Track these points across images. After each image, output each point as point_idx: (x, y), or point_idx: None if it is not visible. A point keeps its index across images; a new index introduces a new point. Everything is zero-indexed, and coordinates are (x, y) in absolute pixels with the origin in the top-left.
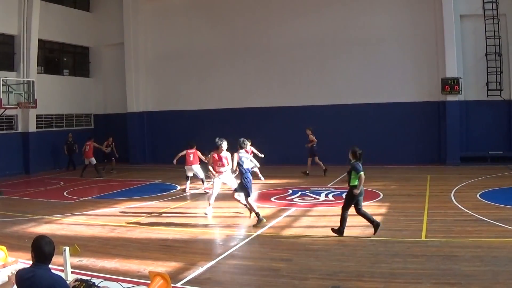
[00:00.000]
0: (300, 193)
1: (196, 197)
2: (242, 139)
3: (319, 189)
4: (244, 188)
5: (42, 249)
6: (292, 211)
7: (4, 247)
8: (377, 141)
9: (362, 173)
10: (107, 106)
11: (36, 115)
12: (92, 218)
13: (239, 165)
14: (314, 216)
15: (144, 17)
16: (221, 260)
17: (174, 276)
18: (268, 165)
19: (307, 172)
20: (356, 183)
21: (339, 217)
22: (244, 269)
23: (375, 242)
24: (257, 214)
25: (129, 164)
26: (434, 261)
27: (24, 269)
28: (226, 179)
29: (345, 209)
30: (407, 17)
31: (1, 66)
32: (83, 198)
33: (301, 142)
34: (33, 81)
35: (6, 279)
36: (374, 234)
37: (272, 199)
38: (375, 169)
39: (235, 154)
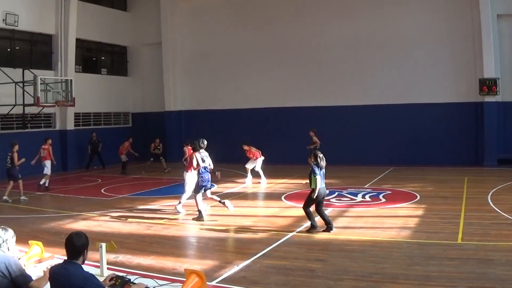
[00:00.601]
0: (337, 193)
1: (233, 196)
2: (201, 139)
3: (356, 189)
4: (196, 185)
5: (73, 244)
6: (328, 211)
7: (40, 243)
8: (413, 142)
9: (317, 176)
10: (145, 105)
11: (74, 113)
12: (129, 215)
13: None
14: (351, 217)
15: (181, 16)
16: (256, 259)
17: (210, 274)
18: (305, 165)
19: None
20: (314, 186)
21: (376, 218)
22: (279, 269)
23: (411, 244)
24: (199, 212)
25: (166, 162)
26: (470, 265)
27: (57, 265)
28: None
29: (306, 207)
30: (443, 17)
31: (39, 65)
32: (121, 196)
33: (336, 142)
34: (71, 80)
35: (42, 274)
36: (323, 231)
37: None
38: (411, 170)
39: (196, 154)
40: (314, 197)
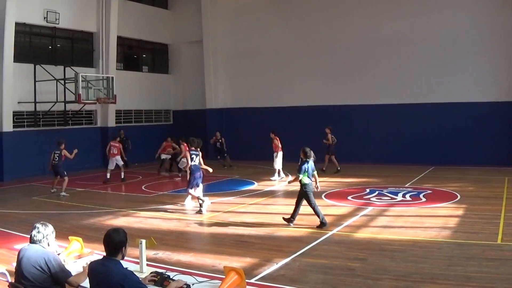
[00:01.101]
0: (377, 192)
1: (274, 193)
2: (191, 138)
3: (397, 189)
4: (188, 181)
5: (111, 241)
6: (368, 210)
7: (80, 239)
8: (454, 141)
9: (300, 175)
10: (186, 102)
11: (115, 111)
12: (169, 212)
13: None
14: (391, 216)
15: (222, 14)
16: (296, 258)
17: (249, 272)
18: (347, 163)
19: (338, 168)
20: (306, 181)
21: (416, 217)
22: (319, 268)
23: (451, 244)
24: (200, 204)
25: (207, 160)
26: (509, 266)
27: (96, 262)
28: None
29: (312, 205)
30: (484, 14)
31: (80, 62)
32: (161, 192)
33: (376, 141)
34: (112, 77)
35: (81, 269)
36: (317, 227)
37: (349, 197)
38: (452, 170)
39: (186, 152)
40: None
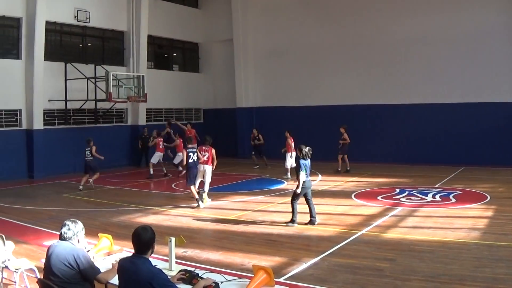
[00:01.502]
0: (407, 192)
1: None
2: (188, 136)
3: (426, 189)
4: (186, 177)
5: (140, 239)
6: (398, 210)
7: (109, 236)
8: (484, 141)
9: (301, 172)
10: (216, 101)
11: (146, 109)
12: (198, 211)
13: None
14: (420, 217)
15: (253, 13)
16: (325, 257)
17: (278, 271)
18: (377, 163)
19: (346, 167)
20: (304, 178)
21: (445, 218)
22: (347, 267)
23: (480, 245)
24: (197, 200)
25: (237, 159)
26: None
27: (125, 259)
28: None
29: (293, 200)
30: None
31: (111, 61)
32: (190, 191)
33: (407, 141)
34: (143, 76)
35: (110, 266)
36: (306, 223)
37: (379, 197)
38: (482, 170)
39: (184, 150)
40: (299, 191)
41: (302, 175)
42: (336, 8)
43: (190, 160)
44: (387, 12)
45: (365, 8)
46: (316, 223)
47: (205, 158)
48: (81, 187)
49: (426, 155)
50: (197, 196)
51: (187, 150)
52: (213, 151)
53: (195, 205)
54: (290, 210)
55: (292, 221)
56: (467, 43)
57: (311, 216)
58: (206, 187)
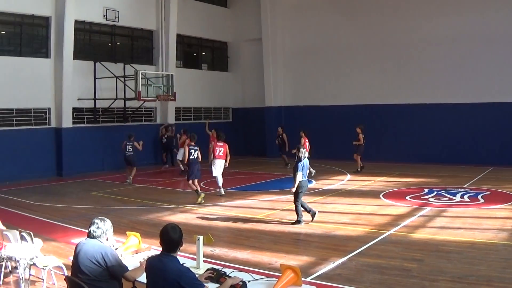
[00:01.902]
0: (435, 192)
1: (332, 192)
2: (192, 133)
3: (455, 189)
4: (188, 173)
5: (168, 237)
6: (426, 211)
7: (138, 234)
8: None
9: (298, 173)
10: (245, 100)
11: (175, 108)
12: (227, 209)
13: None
14: (449, 217)
15: (282, 12)
16: (353, 257)
17: (305, 270)
18: (405, 162)
19: (362, 166)
20: (301, 178)
21: (473, 218)
22: (375, 267)
23: (508, 246)
24: (197, 191)
25: (266, 158)
26: None
27: (153, 257)
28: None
29: (296, 201)
30: None
31: (140, 60)
32: (219, 189)
33: (436, 141)
34: (172, 75)
35: (138, 264)
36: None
37: (407, 197)
38: (511, 171)
39: (185, 146)
40: (293, 191)
41: (299, 176)
42: (364, 7)
43: (191, 157)
44: (415, 11)
45: (394, 7)
46: (316, 212)
47: (220, 153)
48: (128, 180)
49: (455, 155)
50: (198, 188)
51: (189, 147)
52: (227, 147)
53: (200, 200)
54: (317, 210)
55: (298, 221)
56: (494, 43)
57: (309, 212)
58: (220, 181)
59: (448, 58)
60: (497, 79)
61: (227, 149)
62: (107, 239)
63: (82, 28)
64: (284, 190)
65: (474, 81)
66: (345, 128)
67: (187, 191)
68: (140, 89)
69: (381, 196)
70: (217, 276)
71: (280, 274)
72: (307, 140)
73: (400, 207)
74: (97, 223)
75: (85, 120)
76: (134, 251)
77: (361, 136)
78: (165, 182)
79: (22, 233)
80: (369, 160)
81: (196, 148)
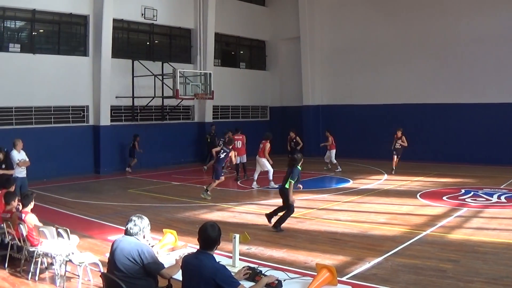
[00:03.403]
0: (472, 193)
1: (369, 191)
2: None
3: (492, 190)
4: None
5: (207, 235)
6: (463, 211)
7: (174, 231)
8: None
9: (292, 181)
10: (283, 99)
11: (213, 106)
12: (263, 208)
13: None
14: (485, 218)
15: (320, 11)
16: (388, 257)
17: (341, 270)
18: (443, 162)
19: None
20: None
21: (510, 220)
22: (410, 268)
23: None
24: (206, 189)
25: (304, 157)
26: None
27: (189, 255)
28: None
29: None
30: None
31: (178, 58)
32: (256, 188)
33: (473, 141)
34: (210, 73)
35: (174, 262)
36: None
37: (444, 198)
38: None
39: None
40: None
41: (292, 184)
42: (403, 5)
43: (221, 157)
44: (455, 9)
45: (433, 5)
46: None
47: (239, 145)
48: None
49: (491, 155)
50: (210, 188)
51: (223, 149)
52: (244, 138)
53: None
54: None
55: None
56: None
57: (274, 215)
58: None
59: (487, 58)
60: None
61: (244, 140)
62: (144, 237)
63: (120, 26)
64: (321, 189)
65: (509, 80)
66: (382, 127)
67: (224, 189)
68: (178, 88)
69: (417, 196)
70: (252, 274)
71: (315, 273)
72: (332, 139)
73: (436, 208)
74: (134, 221)
75: (123, 118)
76: (170, 248)
77: (404, 138)
78: (203, 180)
79: (59, 230)
80: (407, 160)
81: (228, 151)
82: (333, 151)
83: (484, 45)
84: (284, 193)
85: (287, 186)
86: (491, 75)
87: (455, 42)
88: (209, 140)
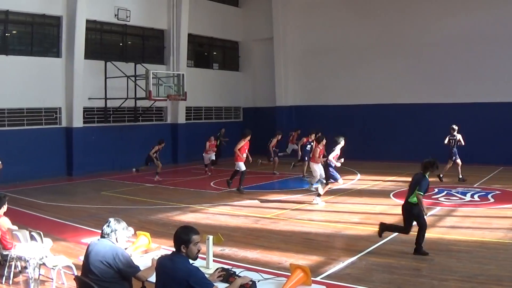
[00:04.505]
0: (446, 192)
1: (341, 192)
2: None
3: (465, 189)
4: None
5: (181, 237)
6: (437, 210)
7: (147, 234)
8: None
9: (420, 193)
10: (256, 100)
11: (186, 107)
12: (237, 209)
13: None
14: (459, 217)
15: (293, 12)
16: (362, 257)
17: (315, 270)
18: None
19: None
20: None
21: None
22: (384, 267)
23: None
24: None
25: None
26: None
27: (164, 257)
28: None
29: None
30: None
31: (151, 59)
32: (230, 189)
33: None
34: (183, 74)
35: (149, 264)
36: None
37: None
38: None
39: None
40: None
41: (421, 198)
42: (376, 7)
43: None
44: (426, 10)
45: (406, 6)
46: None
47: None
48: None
49: (464, 154)
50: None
51: (310, 145)
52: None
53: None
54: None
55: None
56: (510, 41)
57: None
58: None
59: (459, 58)
60: (507, 78)
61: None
62: (117, 240)
63: (93, 27)
64: (294, 189)
65: (484, 80)
66: (355, 128)
67: (198, 191)
68: (151, 89)
69: (391, 195)
70: (226, 275)
71: (289, 274)
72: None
73: None
74: (109, 222)
75: (95, 119)
76: (143, 250)
77: (460, 136)
78: (176, 182)
79: (32, 233)
80: (380, 160)
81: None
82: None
83: (455, 45)
84: (407, 210)
85: (411, 200)
86: (462, 75)
87: (426, 43)
88: (218, 143)
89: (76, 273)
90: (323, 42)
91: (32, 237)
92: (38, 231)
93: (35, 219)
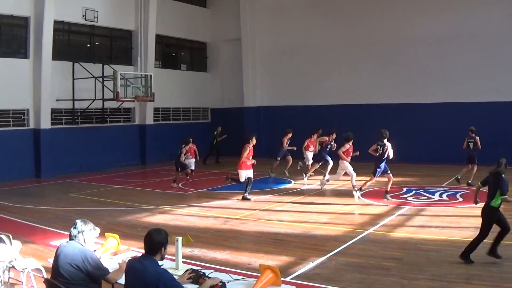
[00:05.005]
0: (414, 192)
1: (310, 192)
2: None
3: (434, 188)
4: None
5: (151, 240)
6: (405, 210)
7: (116, 235)
8: (492, 140)
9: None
10: (224, 100)
11: (154, 108)
12: (206, 210)
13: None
14: (427, 216)
15: (261, 12)
16: (332, 257)
17: (284, 270)
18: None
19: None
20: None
21: (452, 217)
22: (354, 267)
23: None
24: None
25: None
26: None
27: (134, 259)
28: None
29: None
30: None
31: (118, 60)
32: (198, 190)
33: (415, 140)
34: (150, 75)
35: (117, 266)
36: None
37: (387, 196)
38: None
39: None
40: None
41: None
42: (345, 7)
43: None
44: (396, 10)
45: (375, 7)
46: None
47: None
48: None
49: (433, 154)
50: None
51: (379, 145)
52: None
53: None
54: (296, 210)
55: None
56: (481, 42)
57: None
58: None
59: (430, 58)
60: (484, 78)
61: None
62: (84, 241)
63: (61, 28)
64: (263, 190)
65: (452, 80)
66: (324, 128)
67: (166, 192)
68: (119, 90)
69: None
70: (196, 277)
71: (259, 274)
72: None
73: (378, 207)
74: (76, 223)
75: (63, 121)
76: (112, 252)
77: (478, 138)
78: (144, 183)
79: (1, 235)
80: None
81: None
82: (310, 153)
83: (426, 46)
84: (488, 213)
85: (494, 204)
86: (434, 75)
87: (396, 43)
88: (214, 142)
89: (45, 276)
90: (291, 43)
91: (0, 240)
92: (6, 233)
93: (3, 222)
